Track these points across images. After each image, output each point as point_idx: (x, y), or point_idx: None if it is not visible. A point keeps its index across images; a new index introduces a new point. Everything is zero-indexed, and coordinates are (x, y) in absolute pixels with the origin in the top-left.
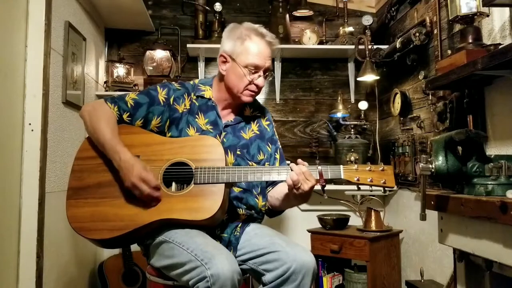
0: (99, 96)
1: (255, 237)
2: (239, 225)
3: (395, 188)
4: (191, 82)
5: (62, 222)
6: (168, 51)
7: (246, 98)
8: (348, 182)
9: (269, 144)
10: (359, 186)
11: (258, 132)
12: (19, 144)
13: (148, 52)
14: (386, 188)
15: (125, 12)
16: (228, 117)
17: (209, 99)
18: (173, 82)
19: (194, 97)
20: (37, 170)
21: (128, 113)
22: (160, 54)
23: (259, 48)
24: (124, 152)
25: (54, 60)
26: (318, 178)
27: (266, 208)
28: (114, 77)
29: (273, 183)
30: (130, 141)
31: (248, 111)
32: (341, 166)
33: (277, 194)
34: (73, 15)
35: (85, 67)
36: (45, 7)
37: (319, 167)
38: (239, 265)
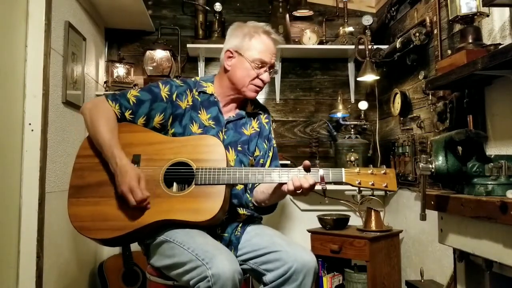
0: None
1: (255, 237)
2: (240, 225)
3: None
4: (193, 79)
5: (62, 222)
6: (168, 51)
7: (250, 93)
8: (351, 186)
9: (266, 141)
10: (361, 189)
11: (258, 129)
12: (19, 144)
13: (148, 52)
14: (387, 191)
15: (125, 12)
16: (230, 113)
17: (211, 94)
18: (175, 79)
19: (196, 93)
20: (37, 170)
21: (130, 111)
22: (160, 54)
23: (266, 45)
24: (120, 158)
25: (54, 60)
26: (319, 181)
27: (252, 205)
28: (114, 77)
29: None
30: (131, 139)
31: (249, 108)
32: (343, 169)
33: (264, 188)
34: (73, 15)
35: (85, 67)
36: (45, 7)
37: (321, 171)
38: (240, 265)
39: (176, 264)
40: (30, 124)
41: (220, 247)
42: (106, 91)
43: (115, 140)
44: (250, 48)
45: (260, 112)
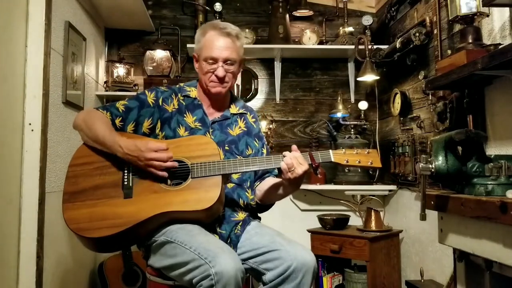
0: (99, 96)
1: (255, 236)
2: (240, 223)
3: (395, 188)
4: (177, 86)
5: (62, 222)
6: (168, 51)
7: (213, 89)
8: (340, 165)
9: (256, 140)
10: (349, 168)
11: (245, 129)
12: (19, 144)
13: (148, 52)
14: (373, 168)
15: (125, 12)
16: (215, 114)
17: (195, 98)
18: (160, 86)
19: (181, 98)
20: (37, 170)
21: (120, 118)
22: (160, 54)
23: (212, 41)
24: (122, 140)
25: (54, 60)
26: (310, 162)
27: (254, 202)
28: (114, 77)
29: (261, 177)
30: None
31: (234, 109)
32: (330, 150)
33: (266, 186)
34: (73, 15)
35: (85, 67)
36: (45, 7)
37: (310, 152)
38: None
39: (178, 263)
40: (30, 124)
41: (222, 245)
42: (106, 91)
43: (114, 132)
44: (202, 48)
45: (246, 112)
